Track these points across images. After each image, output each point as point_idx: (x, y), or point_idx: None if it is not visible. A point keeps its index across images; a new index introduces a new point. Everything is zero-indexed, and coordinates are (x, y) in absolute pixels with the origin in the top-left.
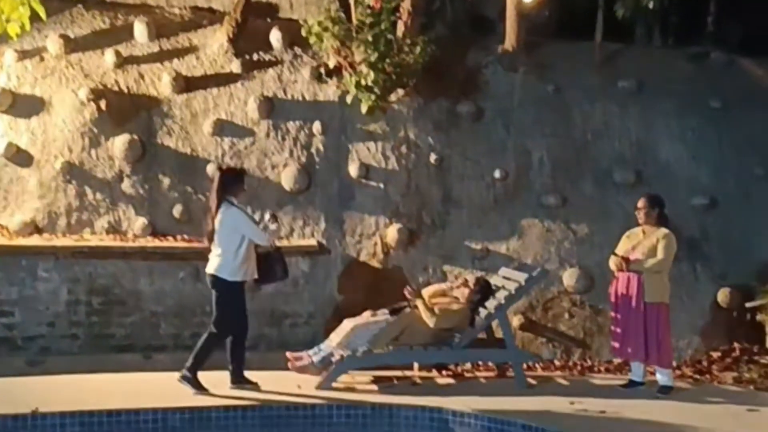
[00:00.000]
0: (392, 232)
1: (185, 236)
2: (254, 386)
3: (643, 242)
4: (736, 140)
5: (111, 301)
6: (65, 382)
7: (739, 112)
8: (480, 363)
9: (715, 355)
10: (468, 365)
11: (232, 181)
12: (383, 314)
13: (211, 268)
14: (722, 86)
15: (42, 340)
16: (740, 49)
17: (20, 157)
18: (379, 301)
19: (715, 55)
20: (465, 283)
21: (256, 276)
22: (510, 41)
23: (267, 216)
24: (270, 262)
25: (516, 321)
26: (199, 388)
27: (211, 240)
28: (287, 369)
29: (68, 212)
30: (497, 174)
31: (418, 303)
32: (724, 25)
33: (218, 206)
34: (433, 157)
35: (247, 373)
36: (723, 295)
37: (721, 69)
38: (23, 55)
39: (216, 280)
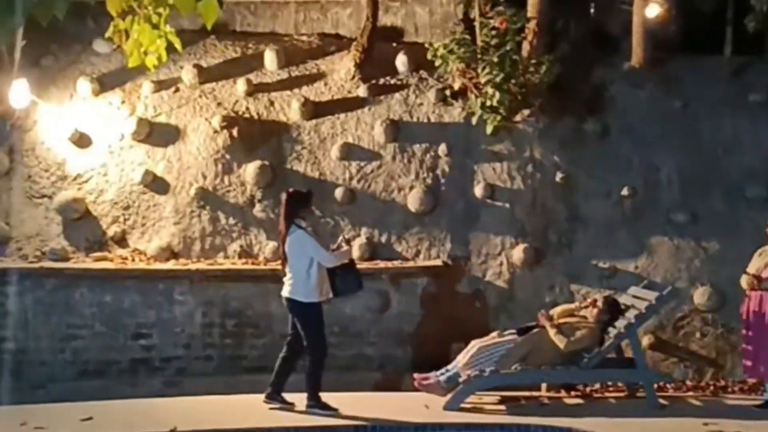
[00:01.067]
0: (518, 252)
1: None
2: (290, 405)
3: None
4: None
5: (243, 324)
6: (201, 402)
7: None
8: (609, 383)
9: None
10: (597, 385)
11: (298, 203)
12: (511, 334)
13: (286, 291)
14: None
15: (178, 361)
16: None
17: (157, 185)
18: (506, 321)
19: None
20: (594, 303)
21: (330, 295)
22: (636, 57)
23: (340, 238)
24: (344, 275)
25: (646, 340)
26: (328, 408)
27: (284, 264)
28: (415, 389)
29: (202, 237)
30: (624, 191)
31: (548, 324)
32: None
33: (287, 229)
34: (558, 176)
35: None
36: None
37: None
38: (159, 85)
39: (292, 304)
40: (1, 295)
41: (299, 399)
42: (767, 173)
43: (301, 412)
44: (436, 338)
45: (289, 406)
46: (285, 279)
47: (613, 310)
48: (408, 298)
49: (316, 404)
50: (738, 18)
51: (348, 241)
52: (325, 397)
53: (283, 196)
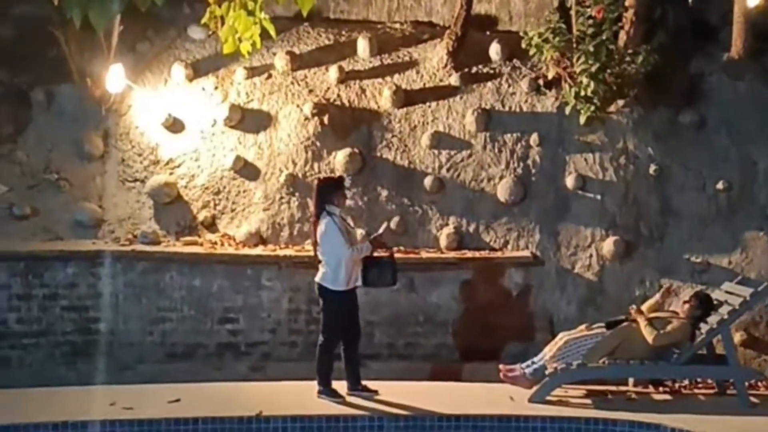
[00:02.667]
0: (608, 245)
1: (401, 248)
2: (372, 393)
3: None
4: None
5: None
6: (286, 387)
7: None
8: (699, 380)
9: None
10: (686, 382)
11: (329, 189)
12: (599, 328)
13: (317, 277)
14: None
15: (264, 346)
16: None
17: (247, 171)
18: (594, 314)
19: None
20: (668, 291)
21: (359, 282)
22: (736, 48)
23: (384, 225)
24: (380, 267)
25: (738, 337)
26: (336, 395)
27: (315, 250)
28: (500, 380)
29: (291, 224)
30: (720, 185)
31: (639, 318)
32: None
33: (317, 216)
34: (652, 168)
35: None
36: None
37: None
38: (252, 72)
39: (320, 289)
40: (93, 277)
41: (382, 386)
42: None
43: (379, 401)
44: (521, 329)
45: (372, 393)
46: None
47: (705, 305)
48: (495, 289)
49: (325, 391)
50: None
51: (382, 244)
52: (409, 385)
53: (315, 183)
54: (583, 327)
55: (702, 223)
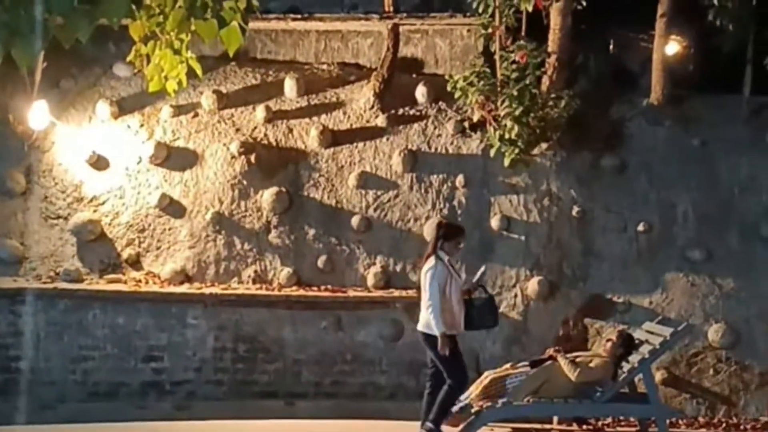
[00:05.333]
0: (532, 285)
1: (329, 286)
2: None
3: None
4: None
5: (255, 349)
6: (211, 427)
7: None
8: (621, 418)
9: None
10: (609, 420)
11: (446, 236)
12: (524, 366)
13: (419, 324)
14: None
15: (189, 385)
16: None
17: (173, 208)
18: (519, 353)
19: None
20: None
21: (461, 329)
22: (655, 94)
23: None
24: (481, 309)
25: (659, 376)
26: None
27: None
28: None
29: (217, 261)
30: (640, 227)
31: (558, 357)
32: None
33: (425, 260)
34: (575, 210)
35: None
36: None
37: None
38: (178, 110)
39: (424, 336)
40: (15, 315)
41: (309, 425)
42: None
43: None
44: None
45: None
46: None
47: (626, 344)
48: None
49: (435, 429)
50: (758, 58)
51: (482, 286)
52: (335, 424)
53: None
54: (508, 365)
55: (623, 264)
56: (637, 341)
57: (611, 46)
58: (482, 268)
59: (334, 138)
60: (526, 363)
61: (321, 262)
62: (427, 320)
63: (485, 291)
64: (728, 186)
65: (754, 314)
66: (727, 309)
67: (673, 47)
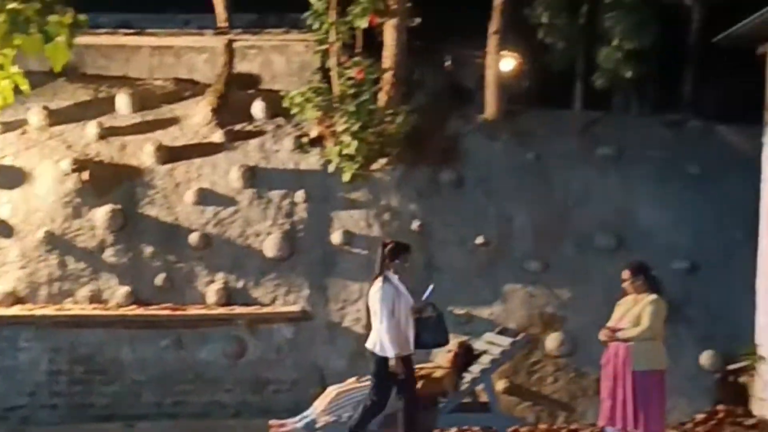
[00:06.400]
0: None
1: (168, 305)
2: None
3: (632, 310)
4: (715, 205)
5: (92, 370)
6: None
7: (717, 177)
8: (465, 427)
9: (700, 417)
10: (453, 430)
11: (392, 254)
12: (369, 380)
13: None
14: (700, 153)
15: (22, 410)
16: (716, 116)
17: (2, 228)
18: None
19: (692, 123)
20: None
21: (412, 348)
22: (490, 110)
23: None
24: (432, 327)
25: (500, 385)
26: None
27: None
28: None
29: (50, 282)
30: (479, 240)
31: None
32: (700, 93)
33: (374, 280)
34: (415, 224)
35: None
36: (706, 358)
37: (699, 136)
38: (6, 127)
39: (370, 354)
40: None
41: None
42: (616, 224)
43: None
44: (293, 384)
45: None
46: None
47: (467, 354)
48: (265, 344)
49: None
50: (587, 74)
51: (431, 304)
52: None
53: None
54: (352, 380)
55: (464, 276)
56: (476, 351)
57: (447, 63)
58: (431, 286)
59: (170, 154)
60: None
61: (160, 280)
62: (375, 340)
63: (435, 309)
64: (563, 199)
65: (589, 322)
66: (564, 318)
67: (507, 64)
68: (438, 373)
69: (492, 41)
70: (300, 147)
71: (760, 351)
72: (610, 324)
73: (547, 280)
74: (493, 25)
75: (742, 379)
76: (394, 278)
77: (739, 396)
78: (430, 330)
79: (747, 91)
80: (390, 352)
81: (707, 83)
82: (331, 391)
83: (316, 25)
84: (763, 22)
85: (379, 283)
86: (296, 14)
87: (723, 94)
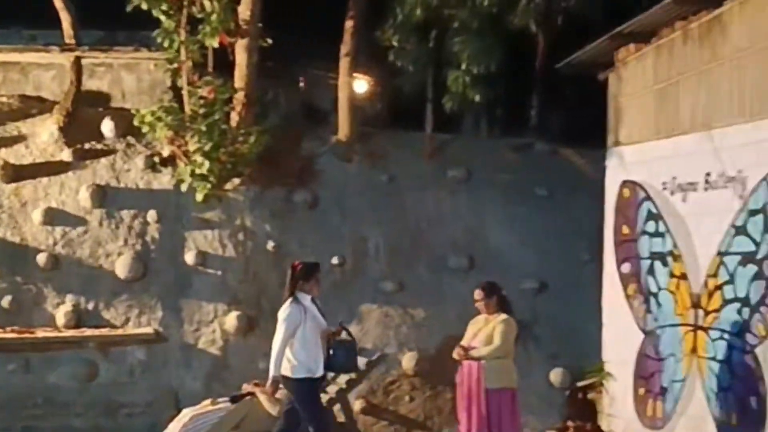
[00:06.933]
0: (231, 319)
1: (15, 327)
2: None
3: (483, 329)
4: (562, 226)
5: None
6: None
7: (564, 199)
8: None
9: None
10: None
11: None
12: (224, 402)
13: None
14: (547, 175)
15: None
16: (562, 139)
17: None
18: (220, 389)
19: (539, 146)
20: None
21: (320, 372)
22: (343, 131)
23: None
24: (345, 352)
25: (358, 405)
26: None
27: None
28: None
29: None
30: (334, 260)
31: (259, 392)
32: (546, 117)
33: (284, 302)
34: (270, 245)
35: None
36: (555, 375)
37: (546, 158)
38: None
39: (283, 379)
40: None
41: None
42: (468, 245)
43: None
44: (147, 407)
45: None
46: None
47: None
48: (117, 367)
49: None
50: (438, 97)
51: (346, 329)
52: None
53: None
54: (208, 402)
55: (320, 296)
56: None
57: (301, 84)
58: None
59: (16, 173)
60: (227, 399)
61: (6, 302)
62: (285, 365)
63: (348, 333)
64: (416, 220)
65: (444, 342)
66: (419, 337)
67: (361, 86)
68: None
69: (344, 63)
70: (152, 166)
71: (607, 367)
72: (463, 343)
73: (401, 300)
74: (345, 47)
75: (591, 395)
76: (306, 299)
77: (588, 412)
78: (343, 354)
79: (591, 115)
80: (271, 372)
81: (554, 107)
82: (186, 413)
83: (166, 44)
84: (601, 49)
85: (286, 303)
86: (146, 32)
87: (568, 118)
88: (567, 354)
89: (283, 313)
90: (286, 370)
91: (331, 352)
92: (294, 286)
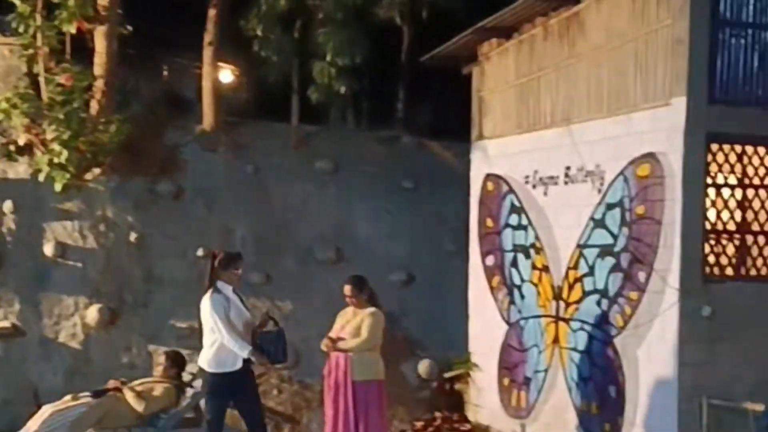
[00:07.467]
0: (92, 313)
1: None
2: None
3: (351, 322)
4: (428, 218)
5: None
6: None
7: (430, 191)
8: None
9: (419, 424)
10: None
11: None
12: (86, 397)
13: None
14: (413, 167)
15: None
16: (428, 132)
17: None
18: (81, 384)
19: (406, 138)
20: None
21: (240, 365)
22: (208, 121)
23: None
24: (274, 342)
25: None
26: None
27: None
28: None
29: None
30: (200, 252)
31: (124, 389)
32: (413, 110)
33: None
34: (133, 236)
35: None
36: (423, 367)
37: (412, 151)
38: None
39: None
40: None
41: None
42: (335, 237)
43: None
44: (5, 404)
45: None
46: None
47: (177, 363)
48: None
49: None
50: (303, 88)
51: (272, 318)
52: None
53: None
54: (68, 397)
55: (185, 288)
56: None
57: (165, 72)
58: (265, 312)
59: None
60: (88, 394)
61: None
62: (207, 357)
63: (275, 323)
64: (282, 211)
65: (312, 334)
66: (287, 330)
67: (226, 75)
68: (158, 390)
69: (207, 52)
70: (7, 155)
71: (474, 359)
72: (331, 334)
73: (269, 292)
74: (208, 36)
75: (458, 386)
76: (227, 289)
77: (456, 403)
78: (271, 345)
79: (457, 108)
80: (243, 352)
81: (421, 101)
82: (46, 410)
83: (21, 29)
84: (465, 44)
85: (207, 294)
86: (0, 16)
87: (435, 111)
88: (434, 346)
89: (206, 303)
90: (203, 362)
91: (259, 343)
92: (214, 276)
